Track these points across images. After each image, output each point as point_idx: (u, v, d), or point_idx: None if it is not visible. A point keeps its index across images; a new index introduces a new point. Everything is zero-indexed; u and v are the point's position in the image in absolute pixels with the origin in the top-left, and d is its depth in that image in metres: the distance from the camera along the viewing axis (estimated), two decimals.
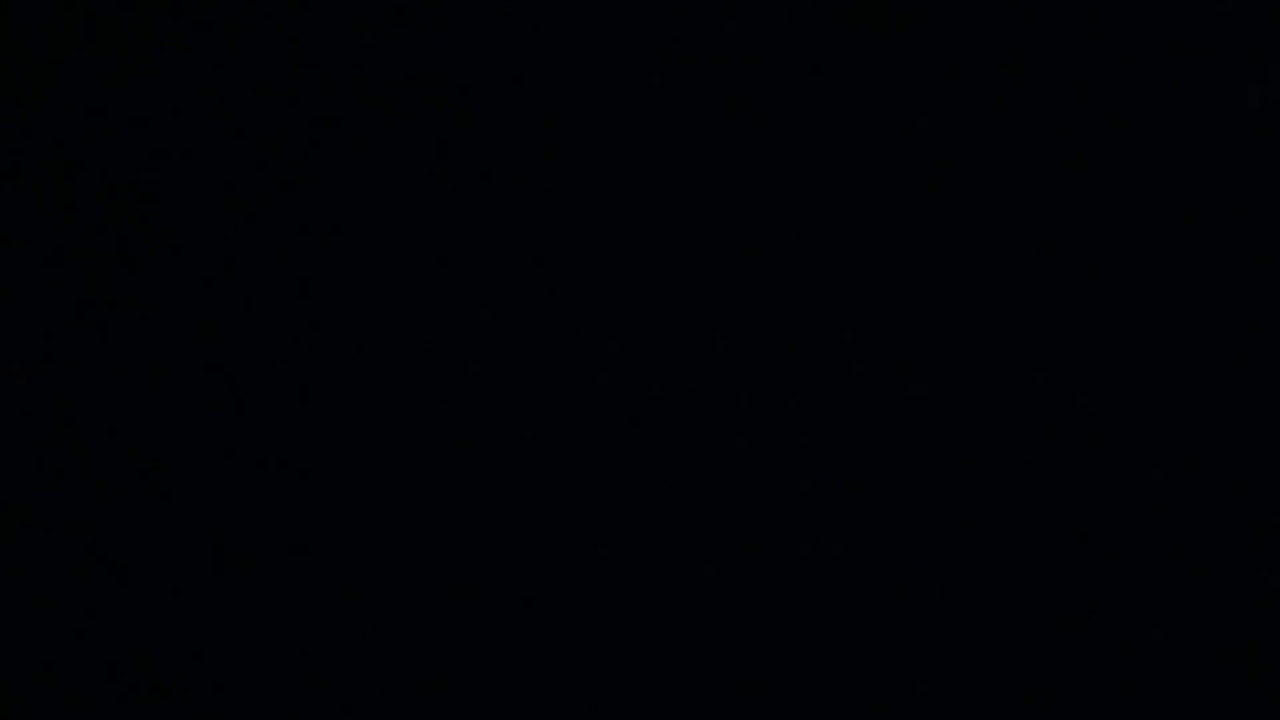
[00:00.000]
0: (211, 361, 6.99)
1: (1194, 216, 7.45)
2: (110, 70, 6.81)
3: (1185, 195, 7.45)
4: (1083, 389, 7.51)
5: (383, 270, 7.24)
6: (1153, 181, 7.45)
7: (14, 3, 6.56)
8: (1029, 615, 7.32)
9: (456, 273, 7.31)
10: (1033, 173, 7.45)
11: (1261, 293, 7.43)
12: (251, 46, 6.92)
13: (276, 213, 7.12)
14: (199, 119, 6.91)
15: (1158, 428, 7.48)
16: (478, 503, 7.21)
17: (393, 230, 7.27)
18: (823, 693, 7.15)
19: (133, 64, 6.80)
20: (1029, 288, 7.48)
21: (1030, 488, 7.38)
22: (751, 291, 7.60)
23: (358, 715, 6.89)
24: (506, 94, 7.23)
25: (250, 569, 6.94)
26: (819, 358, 7.50)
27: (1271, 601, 7.23)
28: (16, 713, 6.54)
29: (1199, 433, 7.52)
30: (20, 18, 6.58)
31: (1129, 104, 7.39)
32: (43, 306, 6.82)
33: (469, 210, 7.32)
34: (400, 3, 7.08)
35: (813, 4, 7.22)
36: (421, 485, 7.20)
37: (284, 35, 6.96)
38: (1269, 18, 7.02)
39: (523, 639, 7.09)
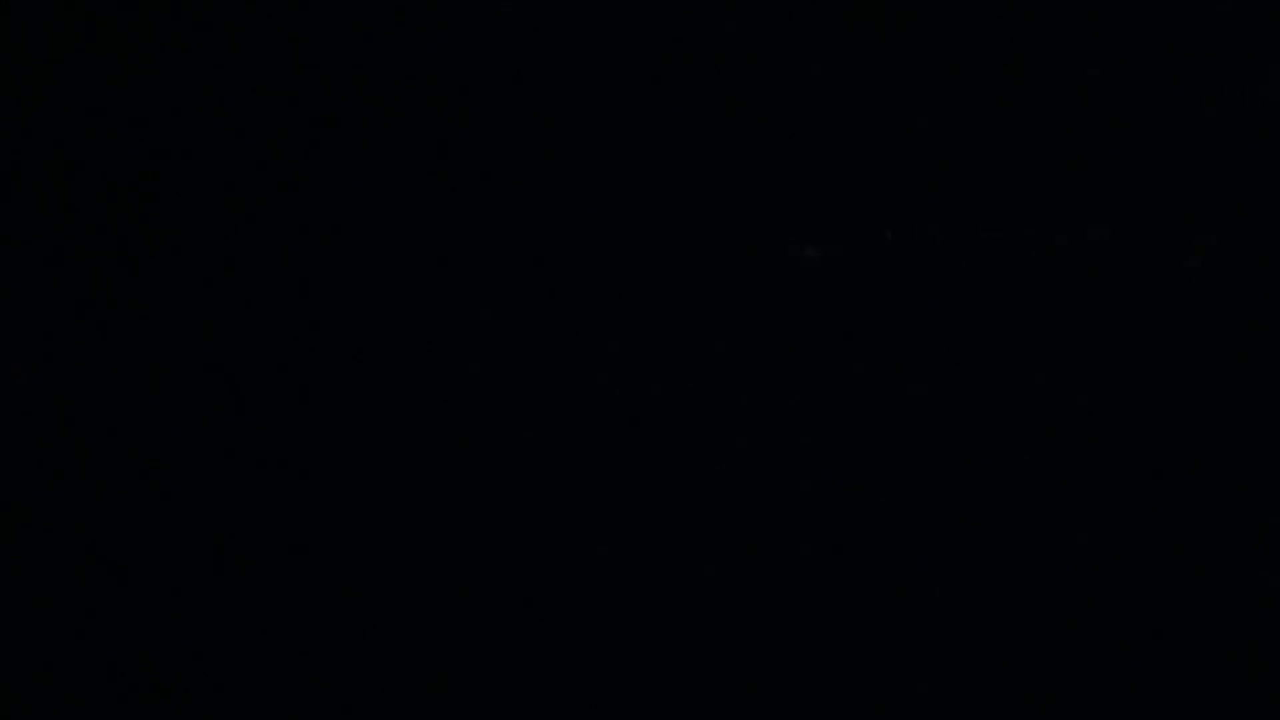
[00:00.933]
0: (211, 361, 6.98)
1: (1194, 215, 7.44)
2: (110, 70, 6.80)
3: (1184, 194, 7.44)
4: (1082, 389, 7.51)
5: (382, 270, 7.24)
6: (1151, 180, 7.44)
7: (14, 3, 6.56)
8: (1028, 615, 7.31)
9: (456, 273, 7.31)
10: (1032, 172, 7.44)
11: (1263, 292, 7.43)
12: (251, 46, 6.92)
13: (276, 213, 7.12)
14: (199, 119, 6.91)
15: (1157, 427, 7.47)
16: (477, 502, 7.20)
17: (393, 230, 7.27)
18: (822, 692, 7.15)
19: (133, 64, 6.80)
20: (1028, 288, 7.47)
21: (1029, 487, 7.38)
22: (751, 292, 7.60)
23: (357, 715, 6.89)
24: (506, 94, 7.23)
25: (249, 568, 6.93)
26: (819, 358, 7.49)
27: (1272, 601, 7.22)
28: (16, 713, 6.54)
29: (1199, 432, 7.53)
30: (20, 18, 6.58)
31: (1129, 104, 7.38)
32: (43, 306, 6.82)
33: (469, 210, 7.32)
34: (400, 3, 7.08)
35: (813, 4, 7.22)
36: (421, 484, 7.19)
37: (284, 35, 6.96)
38: (1269, 18, 7.02)
39: (521, 639, 7.08)
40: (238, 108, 6.78)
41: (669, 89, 7.16)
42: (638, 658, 7.06)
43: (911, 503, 7.35)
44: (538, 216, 7.19)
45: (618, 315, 7.23)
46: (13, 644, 6.66)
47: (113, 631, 6.77)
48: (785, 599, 7.18)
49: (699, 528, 7.19)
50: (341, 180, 6.86)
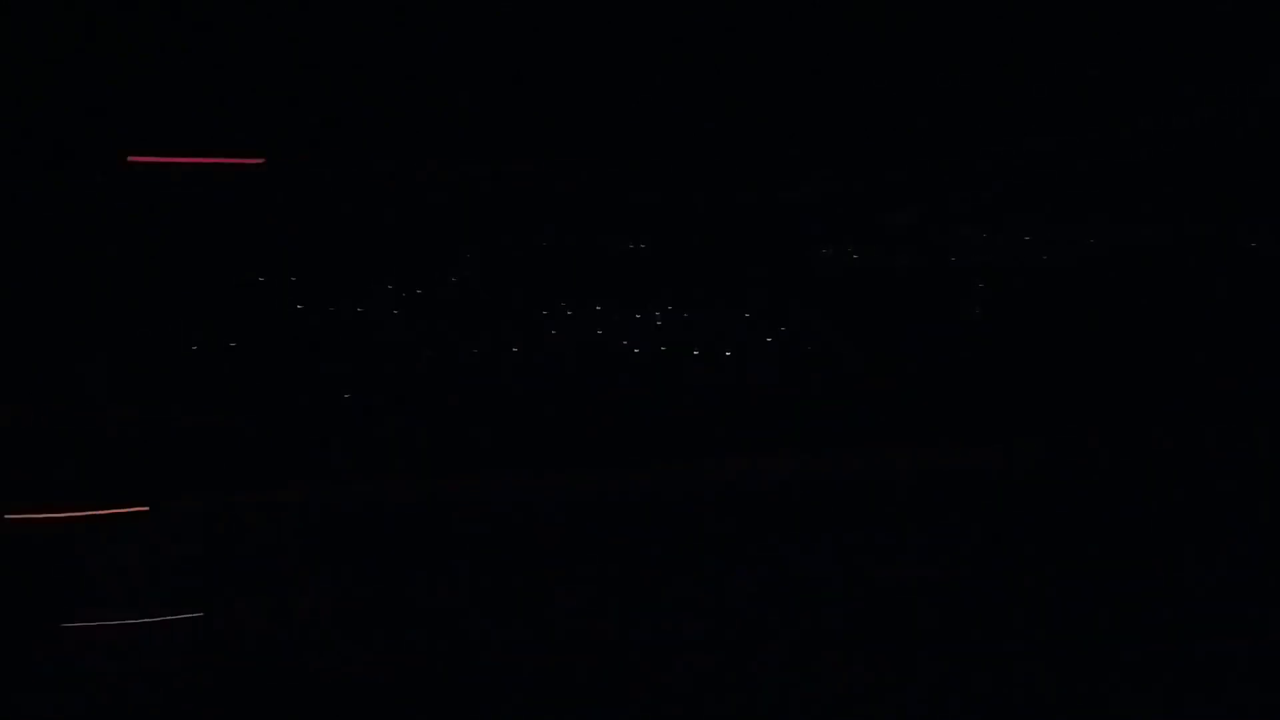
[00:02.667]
0: (210, 360, 6.97)
1: (1194, 212, 7.42)
2: (110, 70, 6.79)
3: (1183, 192, 7.41)
4: (1090, 388, 7.49)
5: (381, 269, 7.22)
6: (1150, 178, 7.41)
7: (14, 3, 6.55)
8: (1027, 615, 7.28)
9: (455, 271, 7.29)
10: (1031, 172, 7.41)
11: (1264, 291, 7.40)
12: (251, 46, 6.90)
13: (276, 212, 7.10)
14: (199, 119, 6.89)
15: (1164, 427, 7.45)
16: (477, 499, 7.18)
17: (393, 229, 7.24)
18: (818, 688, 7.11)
19: (133, 64, 6.79)
20: (1027, 285, 7.45)
21: (1032, 492, 7.36)
22: (753, 293, 7.57)
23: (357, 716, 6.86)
24: (507, 94, 7.21)
25: (248, 566, 6.91)
26: (820, 361, 7.48)
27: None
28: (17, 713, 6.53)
29: (1206, 433, 7.49)
30: (20, 18, 6.57)
31: (1129, 103, 7.35)
32: (43, 306, 6.81)
33: (468, 209, 7.30)
34: (400, 3, 7.05)
35: (813, 4, 7.20)
36: (419, 482, 7.17)
37: (284, 35, 6.94)
38: (1269, 18, 6.99)
39: (519, 641, 7.04)
40: (238, 108, 6.77)
41: (668, 88, 7.14)
42: (636, 657, 7.03)
43: (908, 509, 7.35)
44: (536, 216, 7.16)
45: (617, 314, 7.20)
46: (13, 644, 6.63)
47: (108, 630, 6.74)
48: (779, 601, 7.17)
49: (698, 531, 7.18)
50: (341, 180, 6.85)
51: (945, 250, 7.33)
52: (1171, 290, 7.39)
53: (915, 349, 7.51)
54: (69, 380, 6.89)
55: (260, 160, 6.76)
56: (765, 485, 7.61)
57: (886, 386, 7.53)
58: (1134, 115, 7.34)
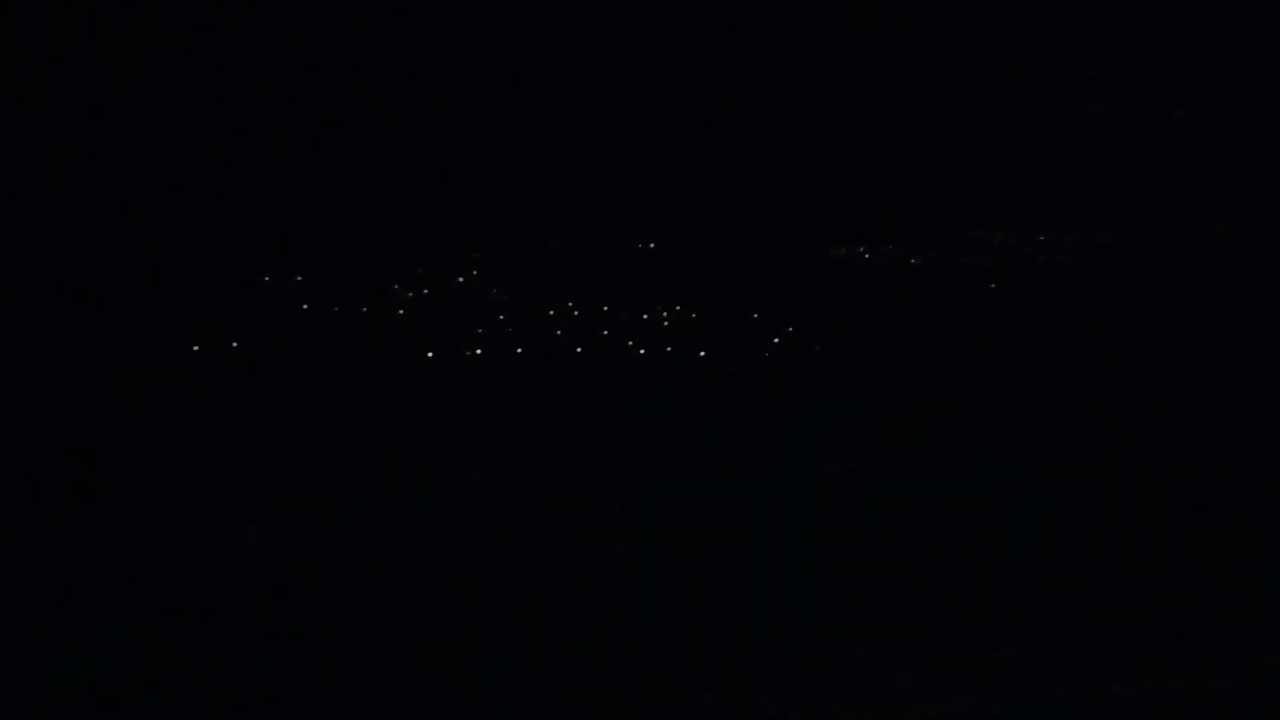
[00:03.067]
0: (209, 358, 6.97)
1: (1193, 212, 7.43)
2: (110, 70, 6.79)
3: (1183, 191, 7.42)
4: (1087, 387, 7.50)
5: (383, 269, 7.22)
6: (1150, 178, 7.42)
7: (14, 2, 6.55)
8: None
9: (454, 269, 7.29)
10: (1032, 173, 7.42)
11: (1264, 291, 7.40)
12: (251, 46, 6.91)
13: (277, 212, 7.10)
14: (199, 119, 6.89)
15: (1160, 422, 7.46)
16: (477, 499, 7.18)
17: (394, 229, 7.25)
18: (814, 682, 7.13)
19: (133, 64, 6.79)
20: (1031, 286, 7.46)
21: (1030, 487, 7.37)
22: (754, 293, 7.57)
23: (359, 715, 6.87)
24: (507, 94, 7.21)
25: (245, 568, 6.91)
26: (820, 362, 7.48)
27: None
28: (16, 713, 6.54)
29: (1206, 428, 7.51)
30: (20, 18, 6.57)
31: (1129, 103, 7.37)
32: (43, 306, 6.81)
33: (470, 209, 7.30)
34: (400, 3, 7.06)
35: (813, 4, 7.21)
36: (419, 482, 7.17)
37: (284, 35, 6.95)
38: (1269, 18, 7.00)
39: (519, 639, 7.06)
40: (238, 108, 6.79)
41: (668, 88, 7.16)
42: (634, 656, 7.05)
43: (909, 505, 7.36)
44: (536, 215, 7.18)
45: (617, 313, 7.22)
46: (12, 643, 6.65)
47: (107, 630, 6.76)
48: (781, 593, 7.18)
49: (701, 526, 7.19)
50: (342, 180, 6.87)
51: (951, 251, 7.36)
52: (1171, 290, 7.42)
53: (919, 349, 7.54)
54: (69, 380, 6.91)
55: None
56: (768, 485, 7.64)
57: (890, 387, 7.56)
58: (1134, 115, 7.36)
